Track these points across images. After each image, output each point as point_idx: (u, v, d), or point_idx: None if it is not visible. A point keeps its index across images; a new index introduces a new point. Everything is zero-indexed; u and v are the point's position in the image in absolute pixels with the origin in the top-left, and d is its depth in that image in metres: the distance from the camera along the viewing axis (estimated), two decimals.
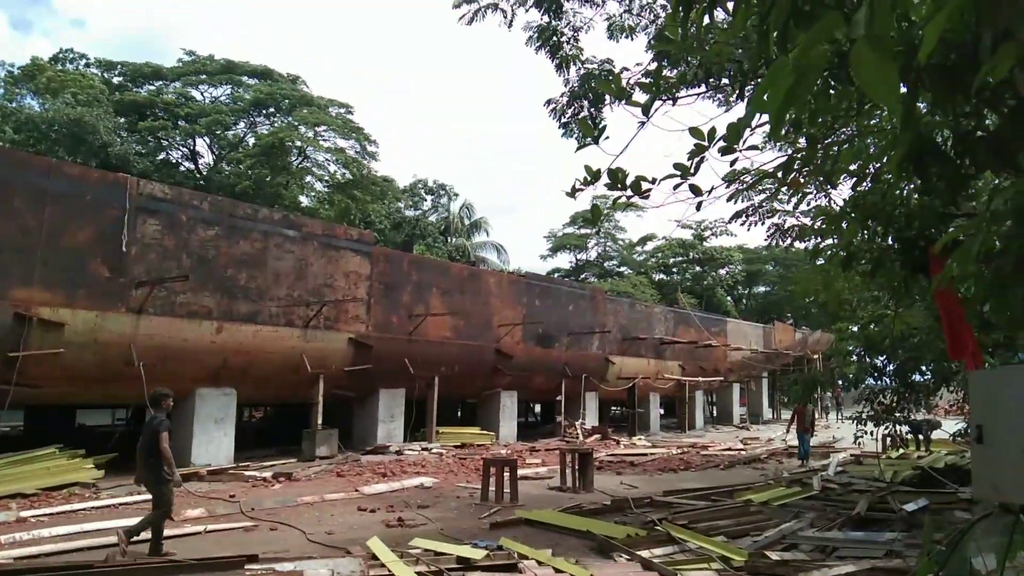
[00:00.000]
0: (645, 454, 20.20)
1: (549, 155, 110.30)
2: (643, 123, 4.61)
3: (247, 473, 14.27)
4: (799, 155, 5.88)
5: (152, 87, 36.01)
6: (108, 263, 13.35)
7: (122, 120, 33.04)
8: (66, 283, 12.78)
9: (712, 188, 4.69)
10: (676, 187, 4.40)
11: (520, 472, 13.42)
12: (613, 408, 33.88)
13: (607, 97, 10.87)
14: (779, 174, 5.55)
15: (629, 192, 4.53)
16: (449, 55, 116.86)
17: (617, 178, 4.48)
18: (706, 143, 4.22)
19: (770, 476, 15.58)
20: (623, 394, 27.83)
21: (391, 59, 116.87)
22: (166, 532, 9.06)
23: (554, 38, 10.57)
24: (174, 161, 36.27)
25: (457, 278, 21.75)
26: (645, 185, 4.51)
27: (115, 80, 36.68)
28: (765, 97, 2.13)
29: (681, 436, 28.44)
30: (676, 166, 4.28)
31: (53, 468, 12.58)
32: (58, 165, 14.00)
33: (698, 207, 4.70)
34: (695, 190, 4.41)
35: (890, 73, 1.94)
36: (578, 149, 4.53)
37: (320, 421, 17.31)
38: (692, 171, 4.28)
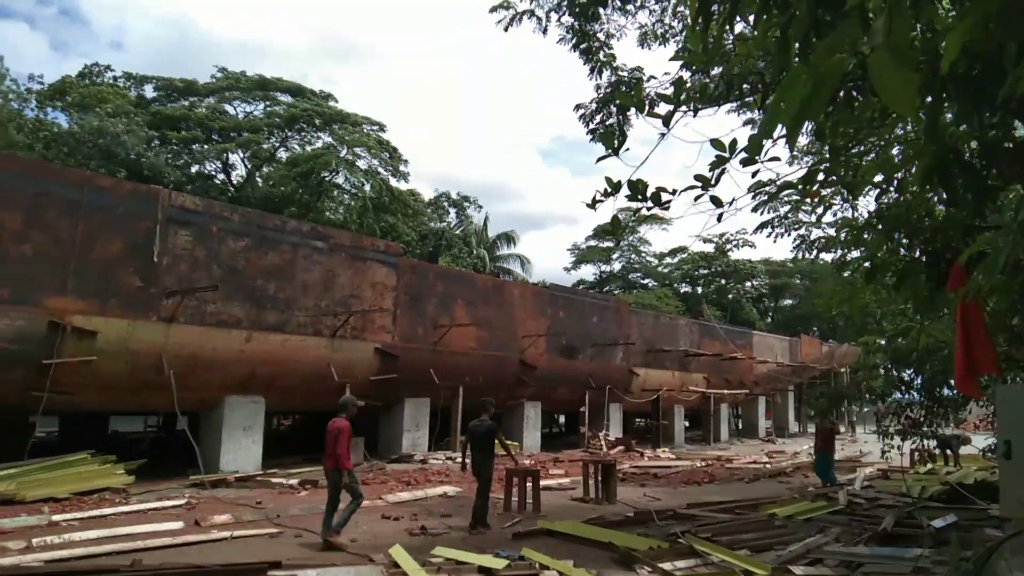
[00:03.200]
0: (669, 466, 20.07)
1: (581, 163, 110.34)
2: (663, 135, 4.65)
3: (274, 480, 14.40)
4: (821, 166, 5.88)
5: (186, 102, 36.63)
6: (140, 273, 13.61)
7: (155, 133, 33.63)
8: (99, 293, 13.05)
9: (733, 200, 4.71)
10: (697, 199, 4.43)
11: (543, 483, 13.40)
12: (637, 420, 33.68)
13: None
14: (801, 186, 5.54)
15: (649, 203, 4.57)
16: (475, 64, 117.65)
17: (637, 189, 4.52)
18: (727, 155, 4.25)
19: (795, 490, 15.40)
20: (647, 406, 27.68)
21: (418, 68, 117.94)
22: (193, 538, 9.29)
23: (586, 42, 10.65)
24: (208, 173, 36.82)
25: (482, 289, 21.84)
26: (665, 196, 4.54)
27: (149, 95, 37.42)
28: (781, 106, 2.16)
29: (706, 448, 28.20)
30: (697, 177, 4.31)
31: (85, 473, 12.81)
32: (91, 177, 14.31)
33: (719, 218, 4.72)
34: (716, 201, 4.43)
35: (908, 82, 1.95)
36: (599, 160, 4.58)
37: None
38: (713, 182, 4.30)
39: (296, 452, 19.31)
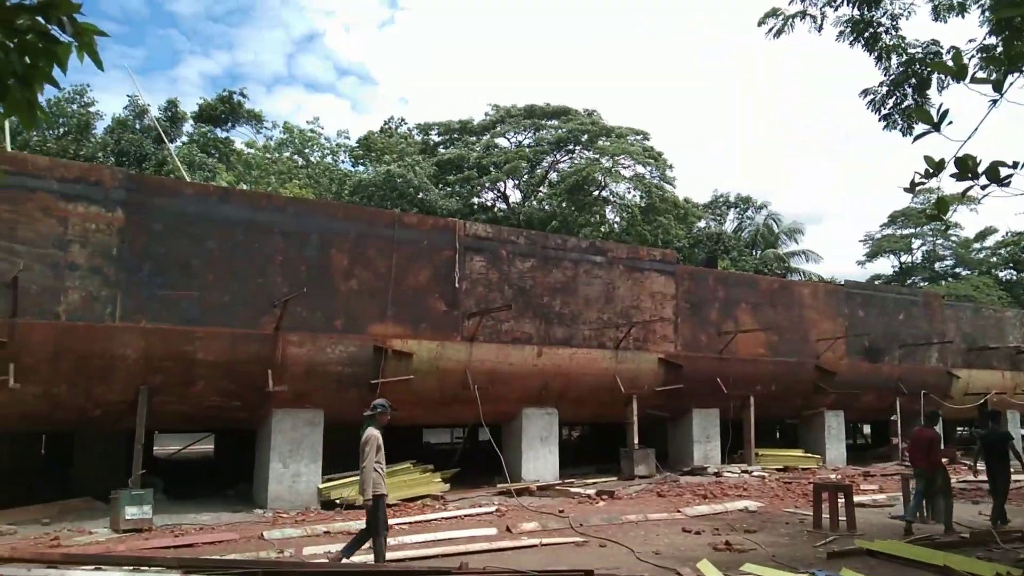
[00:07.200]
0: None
1: (856, 156, 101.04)
2: (995, 101, 4.07)
3: (572, 489, 14.91)
4: None
5: (462, 142, 39.83)
6: (444, 298, 14.98)
7: (439, 172, 37.18)
8: (412, 318, 14.57)
9: None
10: None
11: (855, 498, 12.35)
12: (959, 428, 29.72)
13: (935, 81, 9.91)
14: None
15: (984, 181, 4.01)
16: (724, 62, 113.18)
17: (967, 166, 3.99)
18: None
19: None
20: (972, 412, 24.24)
21: (675, 77, 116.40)
22: (506, 544, 9.91)
23: (870, 29, 9.93)
24: (488, 204, 39.65)
25: (767, 292, 20.77)
26: (1004, 171, 3.96)
27: (433, 139, 41.48)
28: None
29: None
30: None
31: (409, 481, 14.29)
32: (400, 216, 16.00)
33: None
34: None
35: None
36: (916, 139, 4.12)
37: (636, 440, 17.54)
38: None
39: (586, 462, 19.84)
